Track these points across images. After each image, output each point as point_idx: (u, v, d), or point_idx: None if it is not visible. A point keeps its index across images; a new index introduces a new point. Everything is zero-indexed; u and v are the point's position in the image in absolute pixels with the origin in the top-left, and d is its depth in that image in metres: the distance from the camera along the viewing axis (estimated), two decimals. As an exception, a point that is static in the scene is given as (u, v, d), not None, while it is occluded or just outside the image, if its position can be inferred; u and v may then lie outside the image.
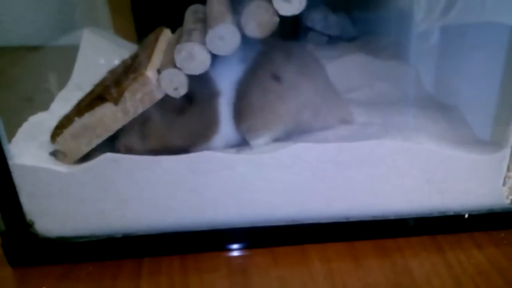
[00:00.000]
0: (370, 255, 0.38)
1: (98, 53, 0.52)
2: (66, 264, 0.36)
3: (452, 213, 0.39)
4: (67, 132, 0.33)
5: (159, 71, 0.34)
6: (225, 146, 0.38)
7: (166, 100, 0.34)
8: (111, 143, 0.36)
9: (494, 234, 0.40)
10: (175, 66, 0.33)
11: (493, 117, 0.42)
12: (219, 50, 0.33)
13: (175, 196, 0.36)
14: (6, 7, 0.57)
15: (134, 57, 0.39)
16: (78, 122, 0.33)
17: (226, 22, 0.32)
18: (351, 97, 0.46)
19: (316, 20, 0.67)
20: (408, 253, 0.38)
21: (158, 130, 0.36)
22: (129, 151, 0.36)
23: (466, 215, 0.39)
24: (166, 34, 0.41)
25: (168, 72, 0.33)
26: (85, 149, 0.34)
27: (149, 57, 0.35)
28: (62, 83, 0.48)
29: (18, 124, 0.39)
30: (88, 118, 0.33)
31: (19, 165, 0.33)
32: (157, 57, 0.35)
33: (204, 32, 0.34)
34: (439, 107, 0.46)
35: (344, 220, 0.38)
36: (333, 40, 0.67)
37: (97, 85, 0.37)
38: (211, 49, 0.32)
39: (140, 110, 0.33)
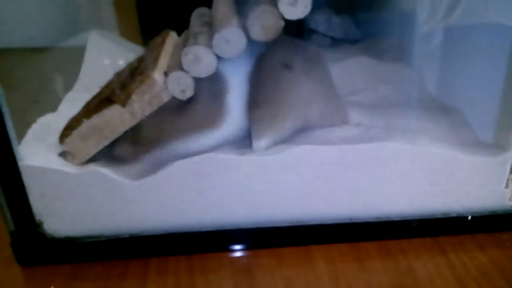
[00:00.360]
0: (374, 256, 0.38)
1: (105, 55, 0.53)
2: (74, 263, 0.37)
3: (455, 215, 0.40)
4: (75, 134, 0.34)
5: (166, 74, 0.34)
6: (227, 144, 0.38)
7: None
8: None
9: (496, 236, 0.40)
10: (181, 69, 0.33)
11: (496, 119, 0.42)
12: (225, 53, 0.33)
13: (181, 197, 0.36)
14: (10, 9, 0.58)
15: (141, 60, 0.39)
16: (86, 124, 0.34)
17: (232, 26, 0.32)
18: (354, 100, 0.47)
19: (320, 22, 0.67)
20: (411, 254, 0.38)
21: (151, 133, 0.36)
22: (123, 159, 0.36)
23: (469, 217, 0.40)
24: (172, 37, 0.41)
25: (175, 75, 0.33)
26: (93, 151, 0.35)
27: (156, 59, 0.35)
28: (68, 84, 0.48)
29: (25, 126, 0.39)
30: (96, 119, 0.34)
31: (28, 166, 0.34)
32: (164, 60, 0.36)
33: (210, 35, 0.34)
34: (442, 110, 0.46)
35: (348, 221, 0.39)
36: (336, 42, 0.67)
37: (104, 87, 0.38)
38: (217, 52, 0.33)
39: (147, 112, 0.34)
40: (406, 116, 0.44)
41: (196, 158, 0.35)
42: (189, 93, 0.34)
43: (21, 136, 0.37)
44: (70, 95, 0.46)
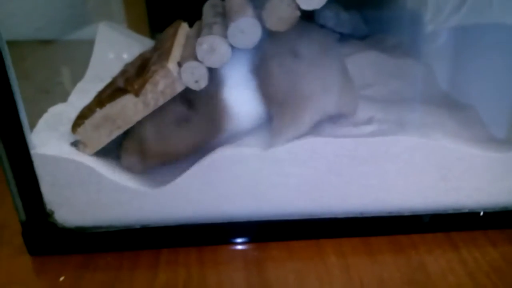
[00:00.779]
0: (385, 251, 0.38)
1: (114, 46, 0.52)
2: (84, 254, 0.37)
3: (467, 211, 0.39)
4: (88, 123, 0.34)
5: (179, 64, 0.34)
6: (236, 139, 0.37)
7: (164, 111, 0.34)
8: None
9: (508, 232, 0.40)
10: (196, 59, 0.33)
11: (509, 115, 0.42)
12: (240, 44, 0.33)
13: (192, 189, 0.36)
14: (18, 1, 0.58)
15: (153, 50, 0.39)
16: (99, 113, 0.33)
17: (248, 16, 0.32)
18: (365, 94, 0.46)
19: (328, 17, 0.67)
20: (423, 250, 0.38)
21: (158, 145, 0.36)
22: (131, 170, 0.36)
23: (481, 213, 0.39)
24: (184, 28, 0.41)
25: (189, 65, 0.33)
26: (106, 140, 0.34)
27: (169, 50, 0.35)
28: (76, 76, 0.48)
29: (36, 115, 0.39)
30: (109, 109, 0.33)
31: (40, 154, 0.33)
32: (177, 50, 0.36)
33: (225, 25, 0.34)
34: (454, 106, 0.46)
35: (359, 215, 0.39)
36: (344, 37, 0.67)
37: (116, 78, 0.38)
38: (232, 42, 0.33)
39: (160, 102, 0.34)
40: (418, 111, 0.44)
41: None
42: (203, 84, 0.34)
43: (32, 125, 0.37)
44: (80, 86, 0.45)
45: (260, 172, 0.36)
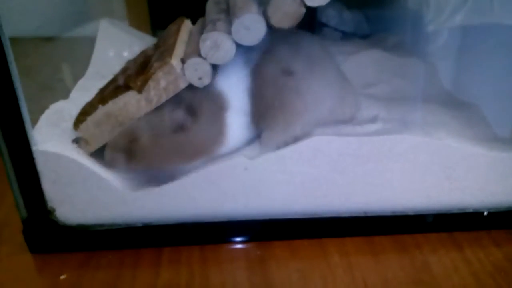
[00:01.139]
0: (389, 251, 0.38)
1: (115, 43, 0.52)
2: (86, 251, 0.36)
3: (471, 210, 0.39)
4: (90, 120, 0.33)
5: (183, 61, 0.33)
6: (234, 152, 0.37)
7: (161, 118, 0.33)
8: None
9: (512, 233, 0.40)
10: (199, 55, 0.33)
11: (513, 115, 0.42)
12: (244, 40, 0.32)
13: (194, 187, 0.36)
14: (18, -2, 0.57)
15: (156, 47, 0.39)
16: (101, 110, 0.33)
17: (252, 12, 0.32)
18: (369, 93, 0.46)
19: (331, 16, 0.67)
20: (427, 249, 0.38)
21: (149, 151, 0.34)
22: (113, 166, 0.34)
23: (485, 213, 0.39)
24: (186, 25, 0.41)
25: (193, 61, 0.32)
26: (108, 137, 0.34)
27: (173, 46, 0.35)
28: (78, 73, 0.48)
29: (37, 112, 0.39)
30: (111, 105, 0.33)
31: (42, 151, 0.33)
32: (180, 47, 0.35)
33: (228, 22, 0.34)
34: (458, 105, 0.45)
35: (363, 214, 0.38)
36: (347, 36, 0.67)
37: (118, 74, 0.37)
38: (236, 39, 0.32)
39: (163, 99, 0.33)
40: (422, 109, 0.44)
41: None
42: (206, 81, 0.33)
43: (33, 122, 0.37)
44: (81, 83, 0.45)
45: (264, 170, 0.36)
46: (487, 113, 0.44)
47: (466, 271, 0.36)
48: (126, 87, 0.33)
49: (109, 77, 0.38)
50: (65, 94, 0.42)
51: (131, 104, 0.33)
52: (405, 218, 0.39)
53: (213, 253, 0.37)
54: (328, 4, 0.32)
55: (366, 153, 0.36)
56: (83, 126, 0.34)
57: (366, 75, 0.50)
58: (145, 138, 0.34)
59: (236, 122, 0.36)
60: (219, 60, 0.33)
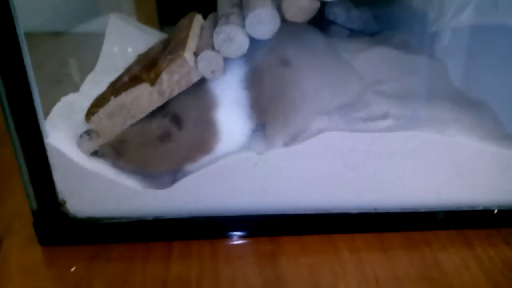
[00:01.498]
0: (399, 247, 0.37)
1: (124, 38, 0.52)
2: (96, 244, 0.36)
3: (481, 208, 0.39)
4: (102, 112, 0.33)
5: (195, 54, 0.33)
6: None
7: (151, 122, 0.34)
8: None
9: (523, 231, 0.40)
10: (213, 49, 0.33)
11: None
12: (258, 34, 0.32)
13: (205, 182, 0.36)
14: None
15: (167, 41, 0.39)
16: (113, 102, 0.33)
17: (267, 6, 0.32)
18: (379, 89, 0.46)
19: (338, 13, 0.67)
20: (437, 247, 0.38)
21: (135, 153, 0.35)
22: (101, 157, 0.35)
23: (496, 211, 0.39)
24: (198, 20, 0.40)
25: (206, 54, 0.32)
26: (119, 129, 0.34)
27: (185, 40, 0.35)
28: (88, 68, 0.48)
29: (48, 105, 0.39)
30: (124, 97, 0.33)
31: (54, 143, 0.33)
32: (193, 41, 0.35)
33: (242, 16, 0.34)
34: (468, 102, 0.45)
35: (373, 211, 0.38)
36: (354, 34, 0.67)
37: (130, 67, 0.37)
38: (250, 32, 0.32)
39: (176, 92, 0.33)
40: (432, 107, 0.43)
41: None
42: (219, 74, 0.33)
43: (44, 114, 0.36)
44: (91, 77, 0.45)
45: (274, 165, 0.36)
46: (497, 111, 0.44)
47: (477, 268, 0.36)
48: (139, 79, 0.33)
49: (119, 71, 0.38)
50: (75, 89, 0.42)
51: (144, 96, 0.33)
52: (415, 215, 0.39)
53: (224, 248, 0.36)
54: (336, 2, 0.31)
55: (377, 149, 0.36)
56: (95, 118, 0.33)
57: (376, 72, 0.50)
58: (132, 143, 0.34)
59: (232, 117, 0.35)
60: (232, 54, 0.33)
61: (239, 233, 0.38)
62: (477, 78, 0.48)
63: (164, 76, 0.33)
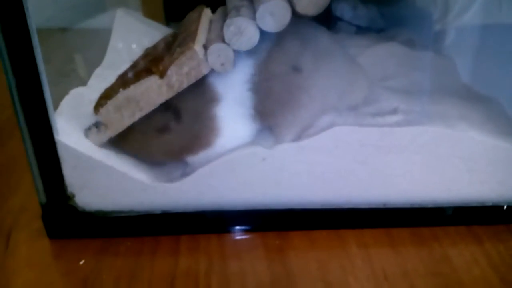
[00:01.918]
0: (407, 243, 0.37)
1: (131, 33, 0.52)
2: (104, 238, 0.36)
3: (490, 204, 0.39)
4: (111, 104, 0.33)
5: (205, 47, 0.33)
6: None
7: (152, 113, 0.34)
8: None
9: (532, 227, 0.39)
10: (223, 41, 0.32)
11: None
12: (268, 26, 0.32)
13: (213, 176, 0.35)
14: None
15: (175, 35, 0.39)
16: (122, 94, 0.33)
17: (278, -2, 0.32)
18: (388, 85, 0.46)
19: (345, 10, 0.66)
20: (446, 242, 0.37)
21: (134, 140, 0.35)
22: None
23: (505, 207, 0.39)
24: (206, 13, 0.40)
25: (216, 47, 0.32)
26: (127, 122, 0.34)
27: (195, 32, 0.34)
28: (94, 63, 0.48)
29: (56, 99, 0.38)
30: (133, 90, 0.33)
31: (63, 136, 0.33)
32: (202, 34, 0.35)
33: (252, 8, 0.33)
34: (478, 98, 0.45)
35: (382, 206, 0.38)
36: (361, 31, 0.67)
37: (138, 60, 0.37)
38: (260, 25, 0.32)
39: (185, 84, 0.33)
40: (442, 102, 0.43)
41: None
42: (229, 67, 0.33)
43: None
44: (98, 71, 0.45)
45: (283, 160, 0.35)
46: (507, 107, 0.44)
47: (486, 264, 0.35)
48: (148, 72, 0.33)
49: (126, 65, 0.38)
50: (82, 83, 0.42)
51: (153, 89, 0.33)
52: (425, 210, 0.38)
53: (231, 242, 0.36)
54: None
55: (387, 144, 0.36)
56: (103, 110, 0.33)
57: (384, 68, 0.49)
58: (133, 129, 0.34)
59: (235, 114, 0.35)
60: (242, 46, 0.33)
61: (247, 228, 0.37)
62: (484, 75, 0.48)
63: (174, 68, 0.32)
